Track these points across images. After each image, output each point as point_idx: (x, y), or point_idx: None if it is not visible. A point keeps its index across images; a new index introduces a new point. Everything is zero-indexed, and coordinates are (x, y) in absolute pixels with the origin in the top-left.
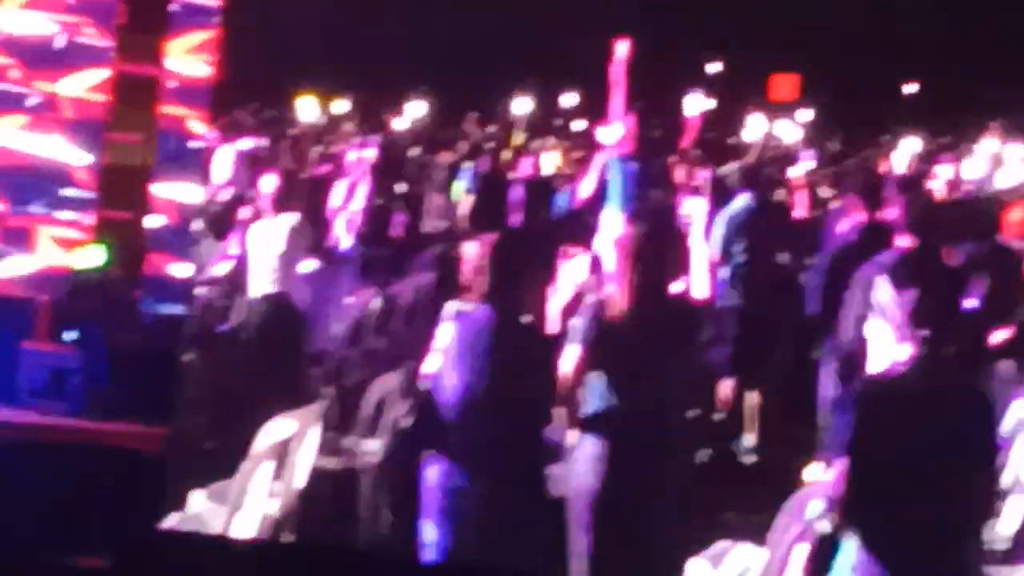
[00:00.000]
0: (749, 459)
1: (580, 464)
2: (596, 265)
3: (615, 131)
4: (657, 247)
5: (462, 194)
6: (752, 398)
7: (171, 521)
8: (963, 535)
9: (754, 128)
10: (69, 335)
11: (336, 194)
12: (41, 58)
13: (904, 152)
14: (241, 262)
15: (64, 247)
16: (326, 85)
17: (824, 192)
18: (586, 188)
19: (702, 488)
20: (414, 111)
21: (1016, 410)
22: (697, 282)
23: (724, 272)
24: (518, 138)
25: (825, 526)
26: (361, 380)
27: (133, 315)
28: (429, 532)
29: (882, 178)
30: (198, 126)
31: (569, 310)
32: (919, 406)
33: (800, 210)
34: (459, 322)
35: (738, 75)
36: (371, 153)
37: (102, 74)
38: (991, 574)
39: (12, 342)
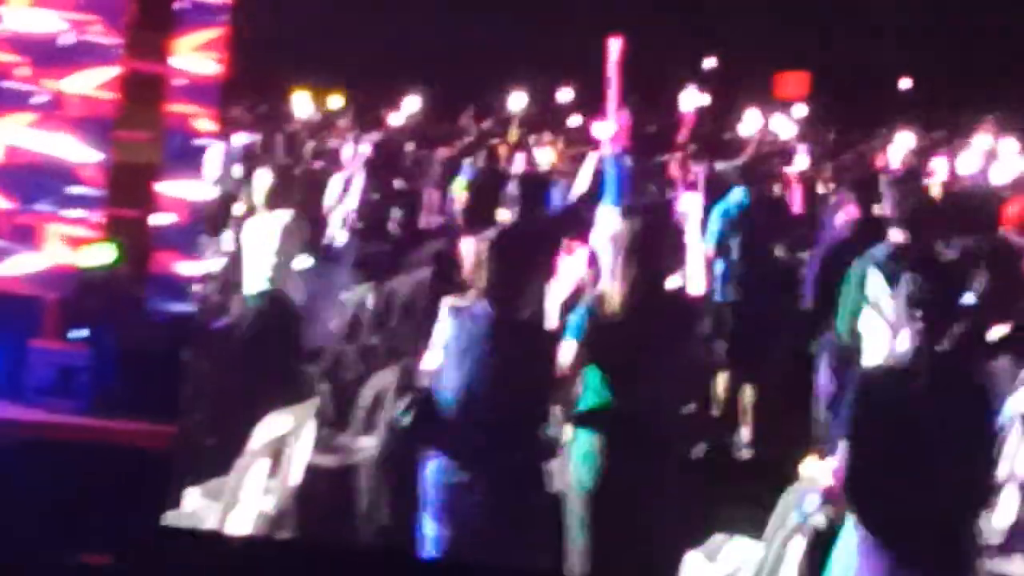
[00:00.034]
0: (745, 454)
1: (576, 460)
2: (593, 260)
3: (610, 127)
4: (653, 242)
5: (462, 190)
6: (748, 393)
7: (166, 519)
8: (961, 523)
9: (750, 123)
10: (77, 333)
11: (332, 190)
12: (49, 56)
13: (899, 147)
14: (235, 258)
15: (72, 245)
16: (321, 80)
17: (820, 187)
18: (582, 184)
19: (698, 483)
20: (410, 106)
21: (1012, 404)
22: (693, 277)
23: (720, 267)
24: (514, 134)
25: (821, 520)
26: (357, 376)
27: (141, 313)
28: (427, 528)
29: (877, 173)
30: (206, 124)
31: (568, 305)
32: (917, 394)
33: (795, 205)
34: (457, 318)
35: (733, 70)
36: (367, 148)
37: (110, 72)
38: (986, 565)
39: (20, 340)
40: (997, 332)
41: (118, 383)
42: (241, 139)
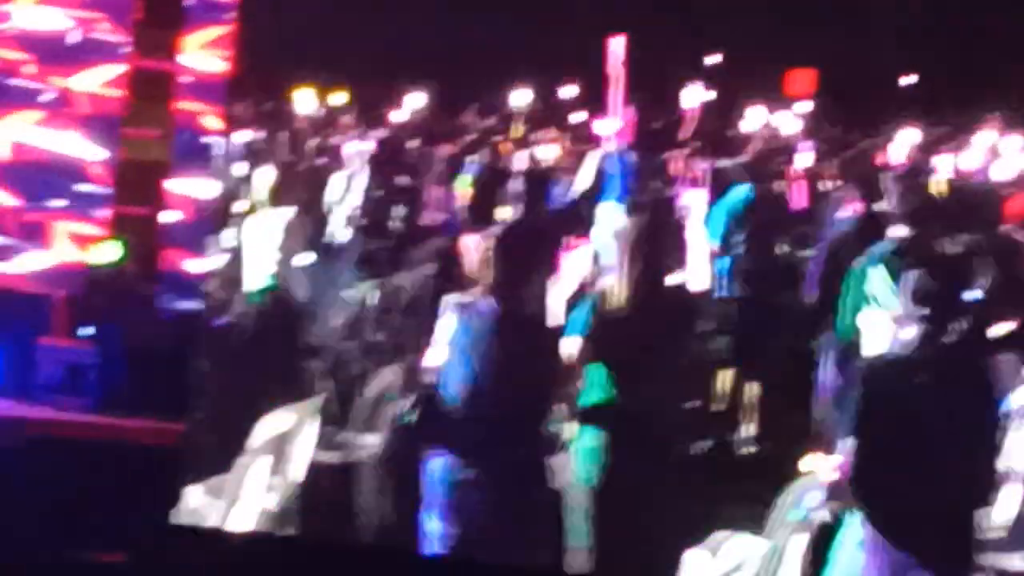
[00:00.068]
0: (748, 450)
1: (579, 456)
2: (596, 257)
3: (614, 123)
4: (656, 239)
5: (466, 187)
6: (750, 389)
7: (175, 517)
8: (965, 516)
9: (754, 120)
10: (85, 331)
11: (334, 187)
12: (56, 53)
13: (902, 143)
14: (237, 256)
15: (80, 243)
16: (325, 77)
17: (824, 183)
18: (584, 180)
19: (701, 479)
20: (413, 103)
21: (1014, 400)
22: (696, 273)
23: (723, 263)
24: (517, 130)
25: (823, 516)
26: (360, 374)
27: (149, 311)
28: (431, 526)
29: (879, 168)
30: (213, 122)
31: (572, 302)
32: (921, 387)
33: (799, 201)
34: (462, 315)
35: (738, 67)
36: (370, 145)
37: (117, 69)
38: (988, 561)
39: (28, 338)
40: (1002, 329)
41: (126, 381)
42: (244, 136)
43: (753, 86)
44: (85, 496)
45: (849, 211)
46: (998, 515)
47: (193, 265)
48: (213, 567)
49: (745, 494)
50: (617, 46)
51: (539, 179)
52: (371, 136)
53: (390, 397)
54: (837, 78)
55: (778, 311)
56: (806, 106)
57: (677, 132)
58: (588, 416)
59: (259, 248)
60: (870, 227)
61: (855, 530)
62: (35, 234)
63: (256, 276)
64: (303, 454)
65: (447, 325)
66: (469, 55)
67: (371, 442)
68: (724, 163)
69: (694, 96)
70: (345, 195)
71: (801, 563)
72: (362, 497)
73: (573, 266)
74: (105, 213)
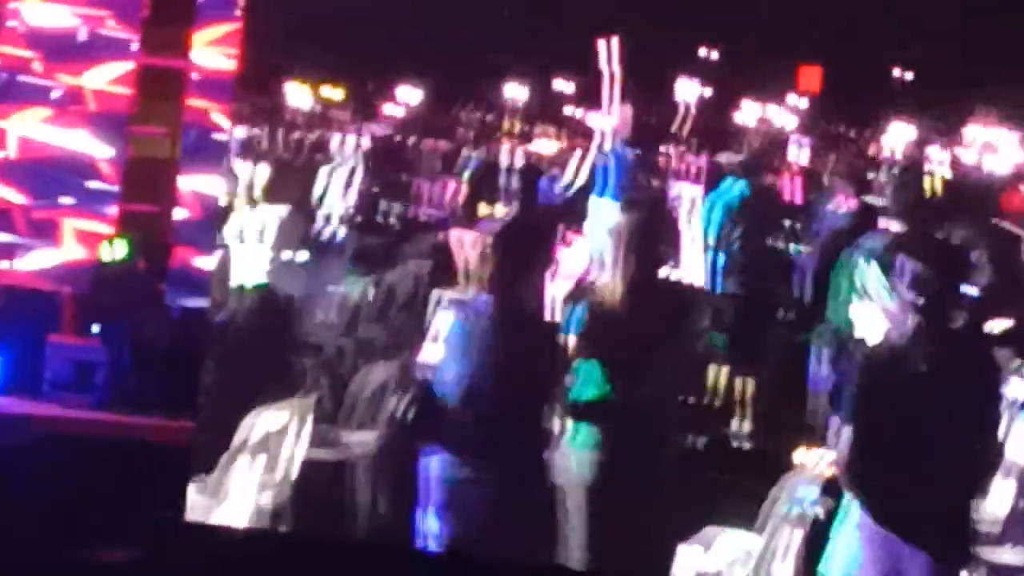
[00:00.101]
0: (743, 445)
1: (574, 452)
2: (592, 252)
3: (609, 119)
4: (651, 235)
5: (464, 182)
6: (744, 384)
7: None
8: (961, 505)
9: (748, 114)
10: (94, 328)
11: (329, 183)
12: (64, 51)
13: (895, 137)
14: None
15: (88, 240)
16: (318, 72)
17: (818, 177)
18: (579, 176)
19: (696, 474)
20: (408, 98)
21: (1009, 393)
22: (691, 269)
23: (718, 259)
24: (513, 125)
25: (817, 509)
26: (355, 371)
27: (158, 308)
28: (429, 523)
29: (872, 162)
30: (221, 118)
31: (569, 298)
32: (918, 376)
33: (794, 196)
34: (459, 312)
35: (733, 61)
36: (364, 141)
37: (125, 67)
38: (981, 554)
39: (37, 335)
40: (999, 325)
41: (134, 378)
42: (239, 133)
43: (748, 81)
44: (93, 493)
45: (843, 205)
46: (991, 509)
47: (201, 262)
48: (220, 564)
49: (741, 488)
50: (611, 45)
51: (534, 175)
52: (366, 132)
53: (384, 394)
54: (831, 72)
55: (772, 305)
56: (801, 101)
57: (672, 127)
58: (583, 412)
59: (253, 245)
60: (863, 221)
61: (850, 521)
62: (43, 231)
63: (250, 273)
64: (297, 452)
65: (443, 322)
66: (464, 50)
67: (365, 439)
68: (719, 158)
69: (689, 91)
70: (340, 191)
71: (795, 556)
72: (357, 494)
73: (570, 262)
74: (113, 210)
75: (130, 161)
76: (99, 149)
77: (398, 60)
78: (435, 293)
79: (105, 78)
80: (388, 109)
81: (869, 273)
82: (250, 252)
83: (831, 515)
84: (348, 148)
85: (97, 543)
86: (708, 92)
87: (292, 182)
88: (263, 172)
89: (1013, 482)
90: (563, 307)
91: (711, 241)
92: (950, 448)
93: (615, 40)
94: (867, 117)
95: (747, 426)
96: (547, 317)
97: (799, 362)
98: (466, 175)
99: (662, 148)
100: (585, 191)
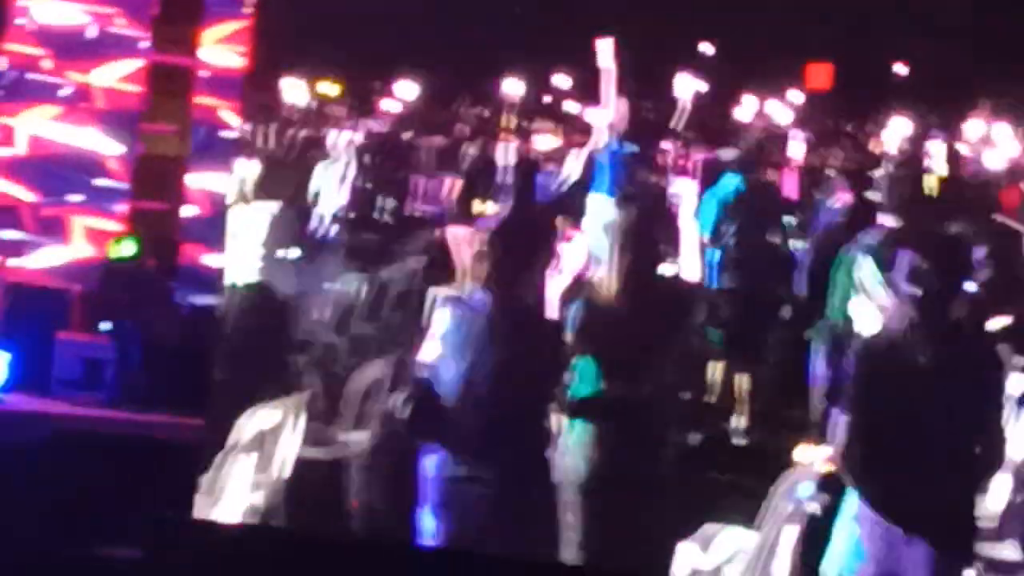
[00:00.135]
0: (741, 441)
1: (570, 449)
2: (588, 249)
3: (606, 114)
4: (647, 231)
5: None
6: (743, 380)
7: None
8: (960, 498)
9: (745, 110)
10: (104, 325)
11: (322, 179)
12: (73, 49)
13: (893, 132)
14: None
15: (98, 237)
16: (325, 68)
17: (816, 173)
18: (577, 171)
19: (694, 471)
20: (405, 93)
21: (1009, 387)
22: (688, 264)
23: (715, 254)
24: (510, 121)
25: (815, 506)
26: (348, 368)
27: (167, 306)
28: (427, 523)
29: (870, 158)
30: (230, 116)
31: (568, 294)
32: (916, 367)
33: (791, 191)
34: (455, 309)
35: (731, 56)
36: (358, 136)
37: (134, 64)
38: (979, 549)
39: (46, 332)
40: (998, 320)
41: (143, 375)
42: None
43: (746, 76)
44: (102, 491)
45: (841, 201)
46: (988, 503)
47: (210, 259)
48: (228, 562)
49: (739, 485)
50: (607, 44)
51: (531, 170)
52: (362, 127)
53: (379, 392)
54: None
55: (770, 302)
56: (798, 96)
57: (670, 122)
58: (580, 409)
59: (246, 242)
60: (861, 216)
61: (849, 515)
62: (52, 229)
63: (243, 270)
64: (290, 450)
65: (439, 319)
66: (461, 45)
67: (359, 438)
68: (717, 154)
69: (687, 86)
70: (334, 187)
71: (793, 553)
72: (351, 493)
73: (569, 258)
74: (122, 208)
75: (140, 158)
76: (108, 146)
77: (398, 56)
78: (431, 290)
79: (114, 76)
80: (385, 105)
81: (866, 269)
82: (242, 249)
83: (829, 511)
84: (343, 144)
85: (105, 541)
86: (706, 87)
87: (285, 179)
88: (254, 168)
89: (1010, 478)
90: (562, 304)
91: (708, 237)
92: (948, 442)
93: (613, 36)
94: (865, 112)
95: (745, 423)
96: (545, 314)
97: (797, 358)
98: (463, 171)
99: (660, 144)
100: (582, 187)
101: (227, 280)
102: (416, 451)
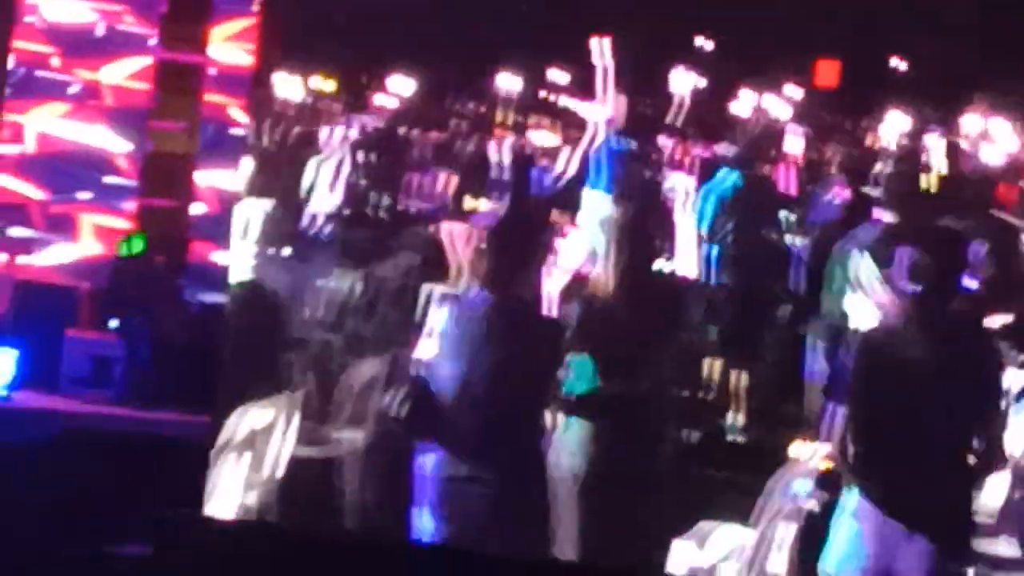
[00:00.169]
0: (738, 438)
1: (566, 447)
2: (585, 245)
3: (603, 109)
4: (644, 228)
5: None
6: (740, 377)
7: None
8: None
9: (743, 105)
10: (113, 323)
11: (317, 175)
12: (81, 46)
13: (890, 127)
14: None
15: (107, 235)
16: (308, 62)
17: (814, 168)
18: (574, 167)
19: (691, 468)
20: (399, 88)
21: (1007, 383)
22: (685, 261)
23: (712, 251)
24: (506, 115)
25: (812, 503)
26: (342, 366)
27: (176, 303)
28: (424, 522)
29: (868, 153)
30: (239, 114)
31: (566, 291)
32: (915, 361)
33: (789, 187)
34: (453, 307)
35: (728, 51)
36: (353, 132)
37: (142, 62)
38: (976, 545)
39: (55, 330)
40: (996, 315)
41: (152, 373)
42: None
43: (744, 71)
44: (110, 488)
45: (838, 196)
46: (986, 499)
47: (219, 257)
48: (236, 559)
49: (736, 482)
50: (604, 42)
51: (527, 166)
52: (356, 123)
53: (373, 390)
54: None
55: (767, 298)
56: (797, 91)
57: (666, 118)
58: (576, 407)
59: (239, 240)
60: (859, 212)
61: (847, 511)
62: (61, 226)
63: (236, 268)
64: (284, 449)
65: (436, 317)
66: (457, 40)
67: (355, 437)
68: (714, 149)
69: (684, 81)
70: (328, 183)
71: (790, 550)
72: (345, 492)
73: (566, 254)
74: (131, 205)
75: (149, 156)
76: (117, 144)
77: (393, 51)
78: (426, 288)
79: (122, 73)
80: (380, 100)
81: (863, 265)
82: (235, 247)
83: (826, 508)
84: (338, 140)
85: (113, 538)
86: (703, 82)
87: (278, 175)
88: (247, 165)
89: (1008, 474)
90: (559, 301)
91: (705, 233)
92: (946, 438)
93: (610, 31)
94: (864, 107)
95: (742, 420)
96: (544, 311)
97: (795, 355)
98: (458, 167)
99: (657, 139)
100: (579, 183)
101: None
102: (412, 450)
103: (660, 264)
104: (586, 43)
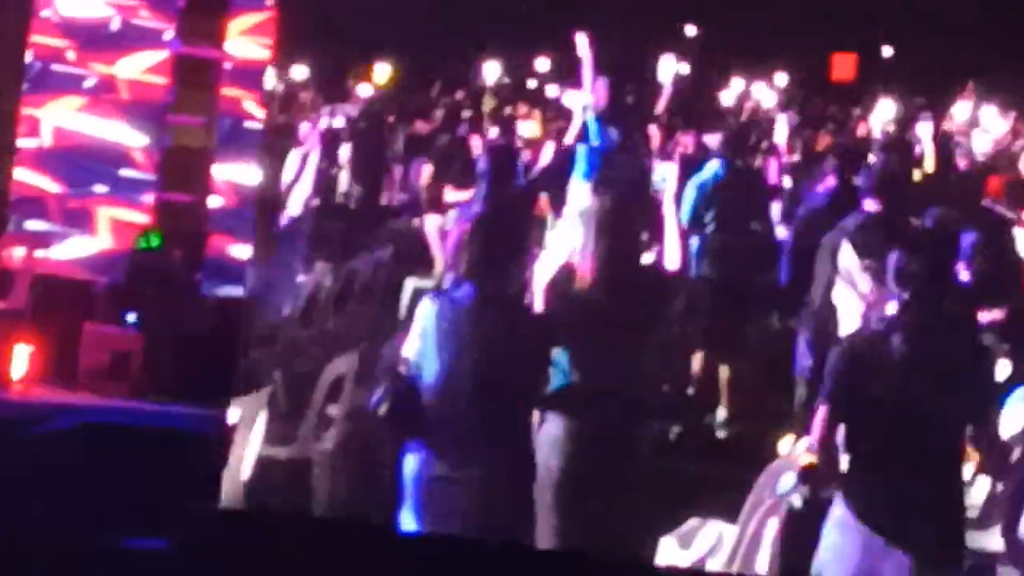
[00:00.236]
0: (722, 433)
1: (544, 443)
2: (569, 236)
3: (585, 97)
4: (624, 218)
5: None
6: (725, 370)
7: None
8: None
9: (730, 94)
10: (130, 317)
11: (289, 166)
12: (97, 40)
13: (879, 115)
14: None
15: (124, 229)
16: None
17: (802, 158)
18: (555, 157)
19: (674, 464)
20: (379, 77)
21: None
22: (668, 252)
23: (696, 242)
24: (489, 104)
25: (797, 500)
26: (313, 363)
27: (194, 297)
28: (408, 523)
29: (855, 142)
30: (255, 108)
31: (551, 284)
32: (902, 363)
33: (775, 176)
34: (436, 302)
35: (715, 40)
36: (326, 122)
37: (158, 56)
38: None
39: (72, 323)
40: (984, 307)
41: (169, 367)
42: None
43: (731, 60)
44: (127, 481)
45: (824, 186)
46: (973, 493)
47: (237, 251)
48: (257, 551)
49: (720, 478)
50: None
51: (511, 157)
52: (331, 112)
53: (345, 387)
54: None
55: (753, 290)
56: (784, 80)
57: (652, 106)
58: (553, 402)
59: None
60: (843, 201)
61: (831, 522)
62: (78, 220)
63: None
64: (251, 449)
65: (422, 313)
66: (441, 29)
67: (325, 436)
68: (700, 139)
69: (670, 68)
70: (300, 175)
71: (774, 546)
72: (314, 492)
73: (552, 247)
74: (148, 199)
75: (167, 150)
76: (133, 138)
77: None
78: (409, 282)
79: (138, 67)
80: (360, 90)
81: (847, 256)
82: None
83: (809, 504)
84: (316, 132)
85: (130, 531)
86: (689, 71)
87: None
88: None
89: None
90: (546, 294)
91: (690, 224)
92: (937, 446)
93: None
94: (852, 96)
95: (728, 415)
96: (530, 304)
97: (780, 348)
98: (439, 157)
99: (641, 129)
100: (563, 174)
101: None
102: (384, 448)
103: (644, 256)
104: (572, 32)
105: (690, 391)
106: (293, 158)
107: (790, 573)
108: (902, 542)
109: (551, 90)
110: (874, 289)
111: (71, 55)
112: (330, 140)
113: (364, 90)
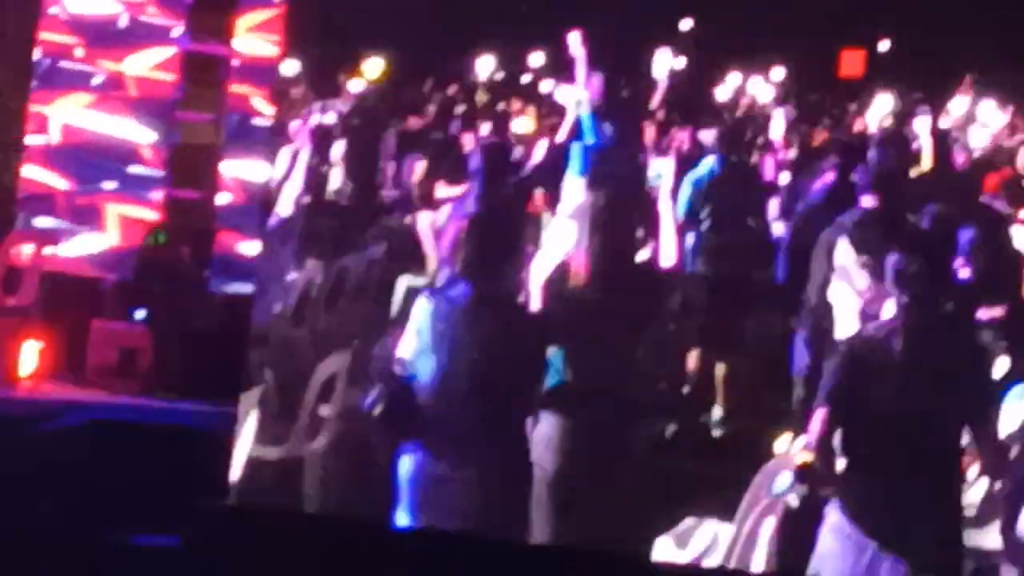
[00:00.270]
0: (718, 432)
1: (538, 442)
2: (564, 233)
3: (579, 93)
4: (619, 215)
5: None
6: (721, 368)
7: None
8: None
9: (726, 89)
10: (138, 313)
11: (280, 163)
12: (105, 37)
13: (876, 110)
14: None
15: (132, 226)
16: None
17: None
18: (549, 154)
19: (670, 463)
20: (371, 72)
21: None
22: (664, 249)
23: (692, 238)
24: (483, 101)
25: (793, 499)
26: (305, 362)
27: (202, 293)
28: (403, 523)
29: (853, 137)
30: (263, 104)
31: (548, 282)
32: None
33: (772, 172)
34: (432, 300)
35: (711, 33)
36: (317, 118)
37: (166, 53)
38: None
39: (81, 320)
40: (986, 313)
41: (178, 364)
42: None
43: (727, 54)
44: (135, 479)
45: (822, 182)
46: (970, 491)
47: (245, 248)
48: (266, 549)
49: (716, 477)
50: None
51: (505, 153)
52: (321, 108)
53: (338, 387)
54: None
55: (749, 287)
56: (781, 75)
57: (647, 101)
58: (548, 400)
59: None
60: (841, 197)
61: (826, 527)
62: (87, 217)
63: None
64: (241, 450)
65: (418, 312)
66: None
67: (317, 436)
68: (696, 134)
69: (665, 63)
70: (291, 172)
71: (771, 545)
72: (305, 493)
73: (548, 244)
74: (156, 196)
75: (176, 147)
76: (141, 134)
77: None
78: (402, 280)
79: (146, 64)
80: (352, 86)
81: (844, 253)
82: None
83: (805, 502)
84: (307, 128)
85: (138, 528)
86: (685, 65)
87: None
88: None
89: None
90: (541, 292)
91: (686, 220)
92: (935, 451)
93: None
94: (849, 91)
95: (724, 413)
96: (526, 302)
97: (777, 346)
98: (433, 153)
99: (637, 124)
100: (559, 170)
101: None
102: (387, 448)
103: (638, 253)
104: (566, 27)
105: (686, 389)
106: (283, 155)
107: (786, 572)
108: (900, 544)
109: (545, 86)
110: (871, 286)
111: (79, 52)
112: (321, 137)
113: (355, 86)
